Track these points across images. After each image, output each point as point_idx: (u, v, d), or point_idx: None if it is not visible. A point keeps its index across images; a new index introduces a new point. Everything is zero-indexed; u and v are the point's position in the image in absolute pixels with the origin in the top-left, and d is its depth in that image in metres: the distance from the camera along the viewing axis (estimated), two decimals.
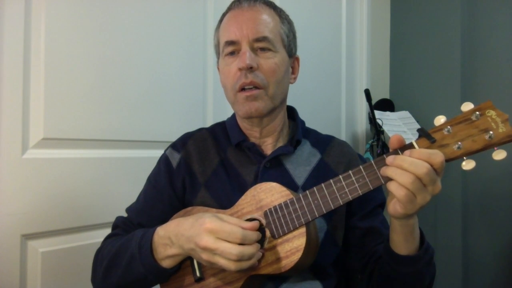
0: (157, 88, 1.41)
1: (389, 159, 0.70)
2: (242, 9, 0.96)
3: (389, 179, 0.71)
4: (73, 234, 1.22)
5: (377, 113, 2.07)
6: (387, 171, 0.70)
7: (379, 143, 2.03)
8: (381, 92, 2.41)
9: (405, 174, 0.67)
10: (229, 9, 1.00)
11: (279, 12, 0.99)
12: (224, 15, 1.01)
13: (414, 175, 0.67)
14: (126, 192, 1.22)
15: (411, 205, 0.69)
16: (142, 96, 1.37)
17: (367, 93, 1.96)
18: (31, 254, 1.13)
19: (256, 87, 0.92)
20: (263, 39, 0.93)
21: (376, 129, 2.03)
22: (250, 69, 0.91)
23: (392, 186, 0.70)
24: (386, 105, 2.31)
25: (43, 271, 1.14)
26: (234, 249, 0.73)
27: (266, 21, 0.95)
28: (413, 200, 0.69)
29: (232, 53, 0.95)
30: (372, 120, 2.06)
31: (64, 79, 1.18)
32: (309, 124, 1.11)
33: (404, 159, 0.68)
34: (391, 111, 2.26)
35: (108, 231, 1.03)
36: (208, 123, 1.54)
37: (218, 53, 1.02)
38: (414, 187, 0.67)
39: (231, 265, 0.74)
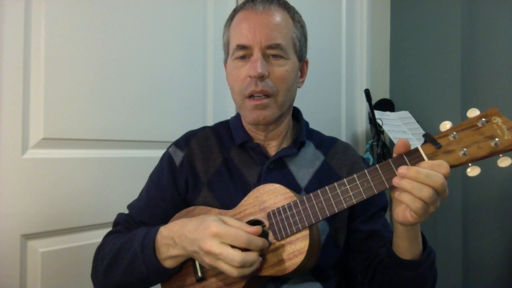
0: (157, 88, 1.41)
1: (402, 170, 0.68)
2: (256, 12, 0.92)
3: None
4: (73, 234, 1.22)
5: (377, 113, 2.08)
6: (403, 183, 0.68)
7: (379, 143, 2.03)
8: (381, 92, 2.41)
9: (424, 188, 0.66)
10: (242, 8, 0.96)
11: (292, 15, 0.97)
12: (236, 11, 0.98)
13: (432, 189, 0.66)
14: (126, 192, 1.22)
15: (425, 216, 0.69)
16: (142, 96, 1.36)
17: (367, 93, 1.96)
18: (31, 254, 1.13)
19: (266, 95, 0.91)
20: (276, 46, 0.91)
21: (376, 129, 2.03)
22: (261, 77, 0.90)
23: (407, 199, 0.68)
24: (386, 105, 2.31)
25: (43, 271, 1.14)
26: (237, 256, 0.73)
27: (280, 26, 0.92)
28: (427, 211, 0.69)
29: (242, 57, 0.93)
30: (372, 120, 2.06)
31: (64, 79, 1.18)
32: (309, 124, 1.11)
33: (419, 171, 0.67)
34: (391, 111, 2.26)
35: (108, 231, 1.02)
36: (208, 123, 1.54)
37: (226, 52, 1.00)
38: (431, 200, 0.67)
39: (233, 271, 0.74)
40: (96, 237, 1.15)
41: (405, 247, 0.79)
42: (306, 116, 1.11)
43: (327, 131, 1.14)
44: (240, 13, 0.96)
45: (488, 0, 2.07)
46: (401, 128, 2.10)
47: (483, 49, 2.08)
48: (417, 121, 2.18)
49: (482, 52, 2.08)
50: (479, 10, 2.10)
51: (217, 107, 1.58)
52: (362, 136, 2.28)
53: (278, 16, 0.93)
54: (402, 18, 2.42)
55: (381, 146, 2.01)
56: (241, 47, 0.92)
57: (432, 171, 0.66)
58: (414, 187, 0.67)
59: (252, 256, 0.75)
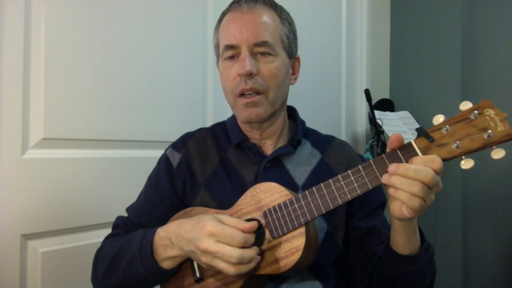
0: (157, 88, 1.41)
1: (392, 167, 0.69)
2: (241, 12, 0.94)
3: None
4: (73, 234, 1.22)
5: (377, 113, 2.07)
6: (392, 180, 0.69)
7: (379, 143, 2.03)
8: (381, 92, 2.41)
9: (413, 183, 0.67)
10: (229, 10, 0.98)
11: (279, 12, 0.98)
12: (223, 14, 1.00)
13: (422, 184, 0.67)
14: (126, 192, 1.22)
15: (421, 210, 0.70)
16: (142, 96, 1.37)
17: (367, 93, 1.96)
18: (31, 254, 1.13)
19: (257, 93, 0.92)
20: (263, 43, 0.92)
21: (376, 129, 2.03)
22: (250, 75, 0.91)
23: (401, 195, 0.69)
24: (386, 105, 2.31)
25: (43, 271, 1.14)
26: (234, 252, 0.73)
27: (266, 24, 0.93)
28: (423, 205, 0.69)
29: (231, 57, 0.94)
30: (372, 120, 2.06)
31: (64, 79, 1.18)
32: (309, 124, 1.11)
33: (408, 167, 0.67)
34: (391, 111, 2.26)
35: (108, 231, 1.03)
36: (208, 123, 1.54)
37: (217, 54, 1.02)
38: (424, 194, 0.67)
39: (230, 269, 0.74)
40: (96, 237, 1.15)
41: (403, 242, 0.79)
42: (306, 116, 1.11)
43: (327, 131, 1.14)
44: (227, 15, 0.98)
45: (488, 0, 2.07)
46: (401, 128, 2.09)
47: (483, 48, 2.08)
48: (417, 121, 2.17)
49: (483, 51, 2.08)
50: (479, 10, 2.10)
51: (217, 107, 1.58)
52: (362, 136, 2.27)
53: (263, 15, 0.94)
54: (402, 18, 2.42)
55: (381, 146, 2.00)
56: (229, 47, 0.93)
57: (421, 166, 0.67)
58: (403, 183, 0.68)
59: (250, 252, 0.75)
